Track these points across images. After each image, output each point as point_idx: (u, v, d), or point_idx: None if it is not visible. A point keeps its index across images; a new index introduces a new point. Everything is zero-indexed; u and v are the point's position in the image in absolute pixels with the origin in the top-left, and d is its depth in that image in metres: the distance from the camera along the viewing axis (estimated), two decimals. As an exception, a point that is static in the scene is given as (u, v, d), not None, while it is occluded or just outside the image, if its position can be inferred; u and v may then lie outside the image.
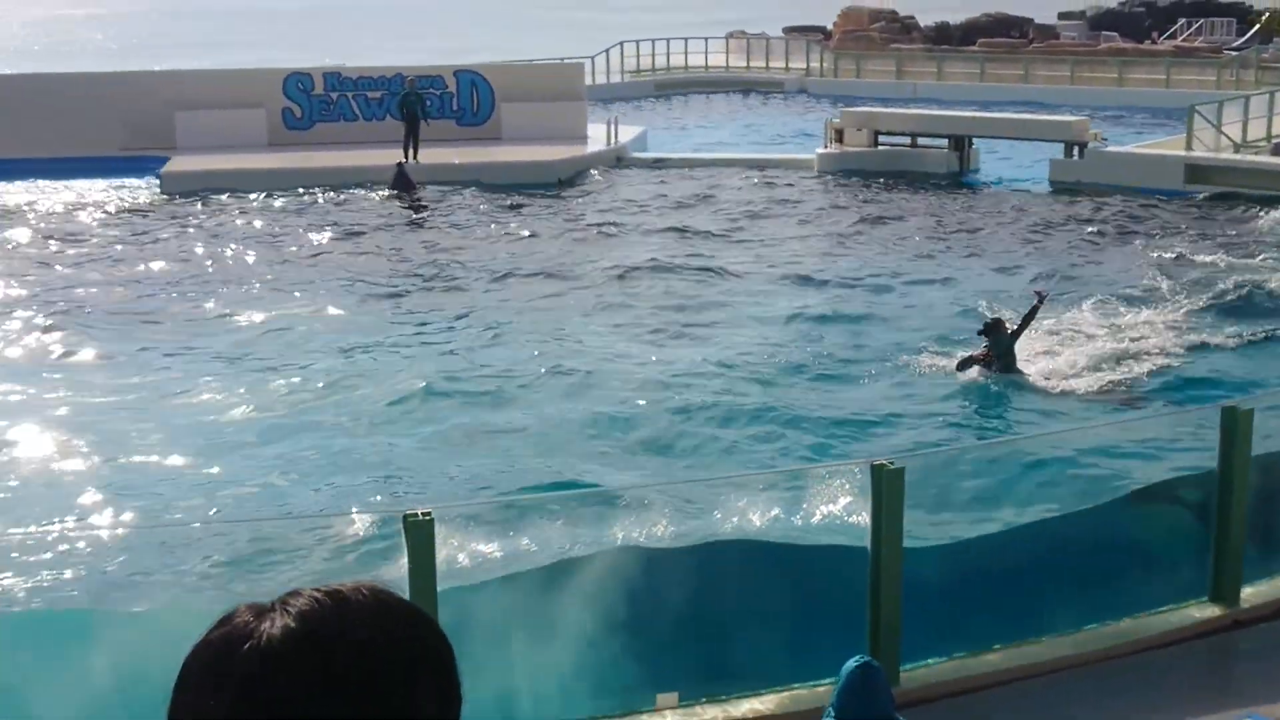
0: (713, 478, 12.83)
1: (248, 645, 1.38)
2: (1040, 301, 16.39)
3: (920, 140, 31.87)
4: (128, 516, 12.04)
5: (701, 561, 9.24)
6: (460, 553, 10.10)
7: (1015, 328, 16.20)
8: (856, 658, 6.49)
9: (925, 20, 59.99)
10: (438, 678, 1.45)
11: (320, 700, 1.37)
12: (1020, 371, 16.12)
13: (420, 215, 26.61)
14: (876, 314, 19.19)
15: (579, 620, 8.18)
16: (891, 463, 8.27)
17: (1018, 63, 49.03)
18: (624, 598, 8.27)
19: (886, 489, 8.14)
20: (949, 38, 57.34)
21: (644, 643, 8.37)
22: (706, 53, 52.60)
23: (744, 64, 52.40)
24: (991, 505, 11.29)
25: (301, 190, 28.12)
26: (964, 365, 16.10)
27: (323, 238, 24.45)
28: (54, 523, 11.87)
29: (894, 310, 19.44)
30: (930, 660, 8.66)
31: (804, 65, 51.23)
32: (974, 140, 31.63)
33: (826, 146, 32.33)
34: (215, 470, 13.15)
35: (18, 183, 29.09)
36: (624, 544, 10.36)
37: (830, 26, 60.88)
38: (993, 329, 16.10)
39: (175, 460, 13.44)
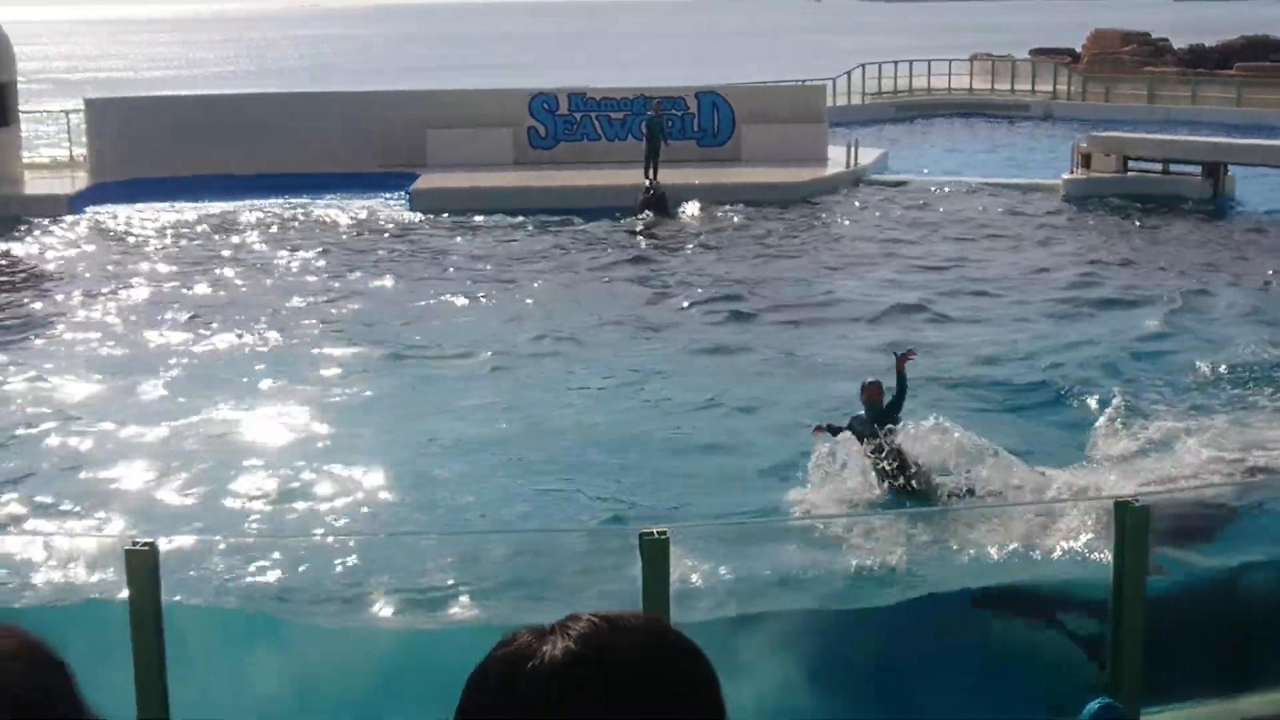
0: (949, 508, 12.59)
1: (530, 665, 1.44)
2: (901, 365, 13.21)
3: (1172, 167, 30.92)
4: (361, 523, 12.43)
5: (919, 612, 9.13)
6: (693, 574, 10.20)
7: (892, 397, 13.15)
8: (1098, 700, 6.34)
9: (1179, 43, 58.13)
10: (707, 705, 1.49)
11: None
12: (898, 455, 12.75)
13: (666, 235, 26.86)
14: (1141, 345, 18.54)
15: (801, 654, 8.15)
16: (1136, 500, 8.05)
17: (1278, 87, 47.17)
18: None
19: (1130, 526, 7.92)
20: (1204, 60, 55.42)
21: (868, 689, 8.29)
22: (950, 75, 51.98)
23: (988, 87, 51.59)
24: (1233, 544, 10.90)
25: (545, 208, 28.68)
26: (831, 430, 13.16)
27: (570, 257, 24.89)
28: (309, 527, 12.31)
29: (1155, 342, 18.74)
30: (1174, 705, 8.39)
31: (1050, 88, 50.20)
32: (1229, 167, 30.54)
33: (1073, 172, 31.62)
34: (455, 479, 13.44)
35: (283, 197, 30.31)
36: (854, 574, 10.34)
37: (1079, 49, 59.46)
38: (866, 394, 13.20)
39: (416, 470, 13.81)
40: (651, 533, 7.58)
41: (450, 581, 10.79)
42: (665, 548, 7.47)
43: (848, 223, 28.44)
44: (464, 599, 10.47)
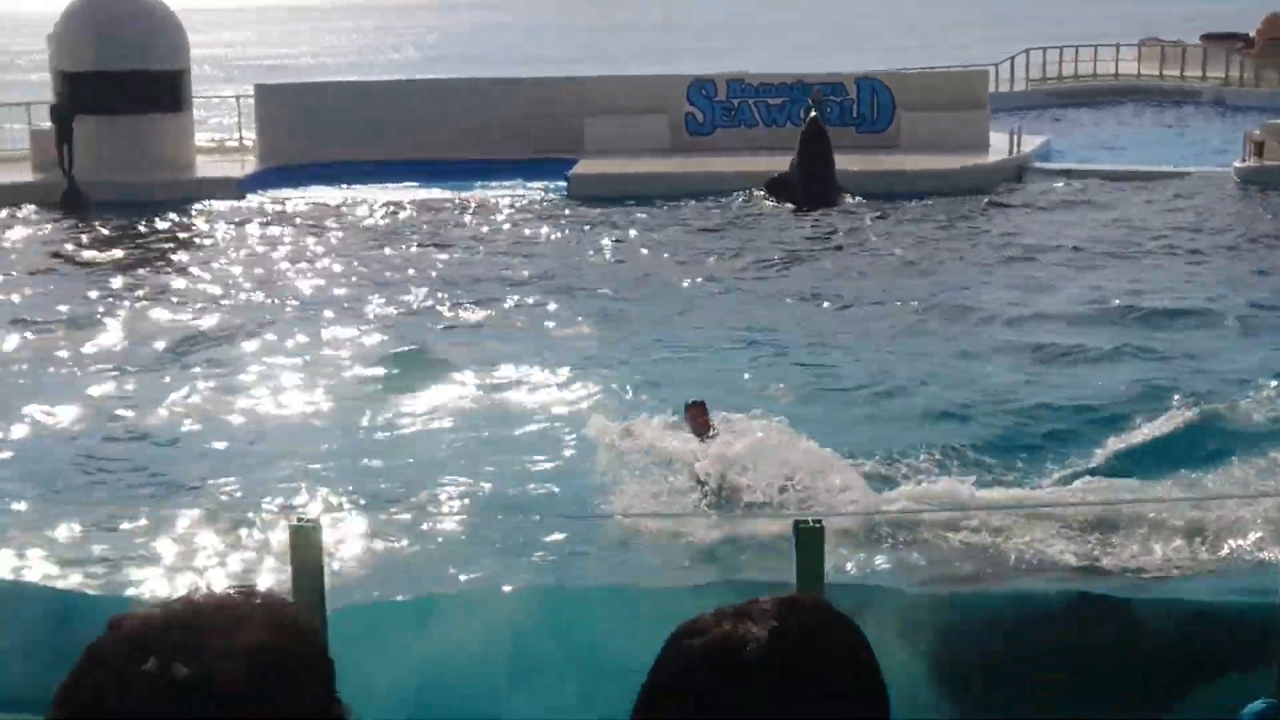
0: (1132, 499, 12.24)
1: (743, 648, 1.46)
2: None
3: (1350, 156, 29.88)
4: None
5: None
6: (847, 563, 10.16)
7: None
8: (1261, 700, 6.18)
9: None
10: (872, 685, 1.52)
11: (789, 705, 1.44)
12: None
13: (825, 223, 26.71)
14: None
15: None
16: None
17: None
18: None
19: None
20: (1389, 45, 53.36)
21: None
22: (1117, 60, 50.76)
23: (1156, 72, 50.29)
24: None
25: (702, 194, 28.70)
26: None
27: (724, 242, 24.89)
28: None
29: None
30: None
31: (1222, 74, 48.79)
32: None
33: (1245, 160, 30.71)
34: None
35: (443, 183, 30.76)
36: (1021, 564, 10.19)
37: (1252, 34, 57.67)
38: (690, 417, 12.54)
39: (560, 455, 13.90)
40: (806, 521, 7.58)
41: (592, 562, 10.88)
42: (820, 536, 7.46)
43: (1009, 211, 27.97)
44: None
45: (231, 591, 1.41)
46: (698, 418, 12.49)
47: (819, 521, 7.55)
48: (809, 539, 7.46)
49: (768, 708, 1.44)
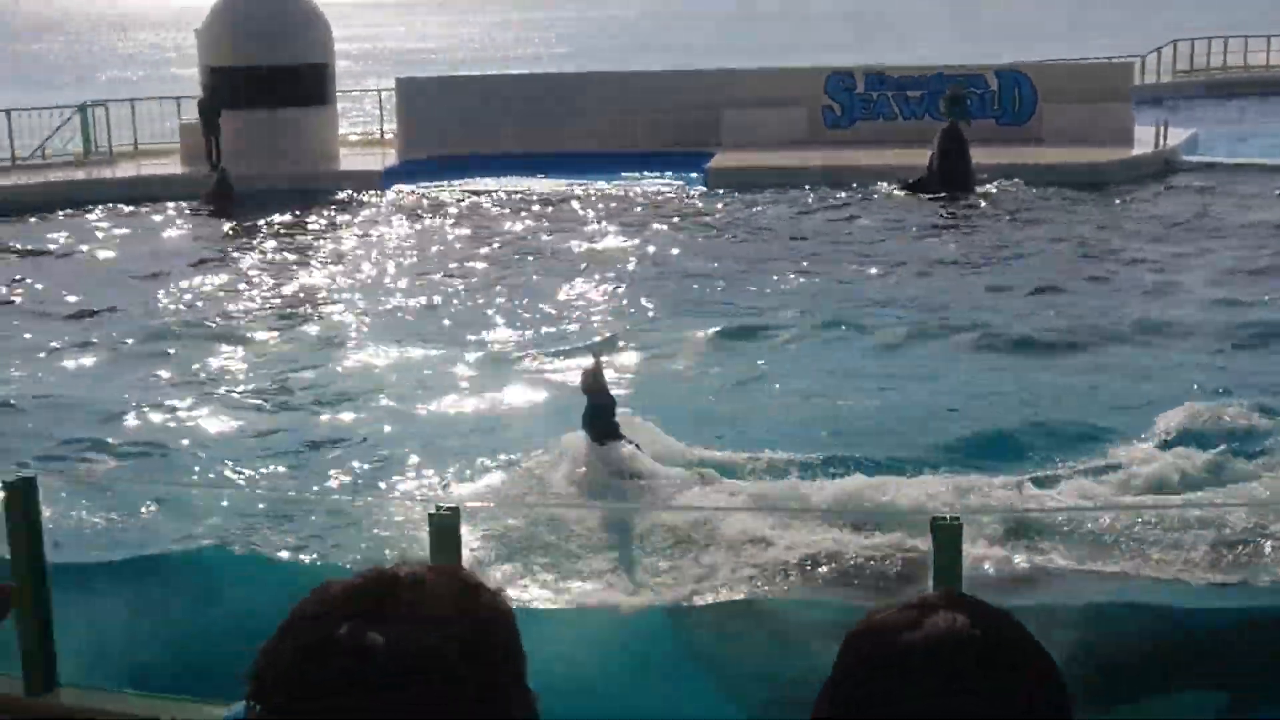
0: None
1: (912, 637, 1.46)
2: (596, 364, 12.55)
3: None
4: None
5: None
6: (985, 561, 10.01)
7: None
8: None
9: None
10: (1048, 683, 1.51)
11: (973, 698, 1.44)
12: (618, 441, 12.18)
13: (967, 215, 26.40)
14: None
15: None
16: None
17: None
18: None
19: None
20: None
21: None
22: (1268, 51, 49.42)
23: (1310, 63, 48.89)
24: None
25: (841, 187, 28.53)
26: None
27: (866, 234, 24.73)
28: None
29: None
30: None
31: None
32: None
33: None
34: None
35: (581, 175, 30.94)
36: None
37: None
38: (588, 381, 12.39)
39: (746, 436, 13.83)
40: (944, 518, 7.49)
41: (719, 559, 10.83)
42: (958, 534, 7.37)
43: (1154, 207, 27.36)
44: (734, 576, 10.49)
45: (429, 568, 1.43)
46: (586, 383, 12.35)
47: (956, 518, 7.46)
48: (946, 536, 7.39)
49: (986, 701, 1.43)
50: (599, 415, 12.17)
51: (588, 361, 12.80)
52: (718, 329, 18.21)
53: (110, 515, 11.80)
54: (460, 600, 1.41)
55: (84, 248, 25.33)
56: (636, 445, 12.28)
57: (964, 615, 1.49)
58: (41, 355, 17.98)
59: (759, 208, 27.44)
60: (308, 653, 1.34)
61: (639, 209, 27.93)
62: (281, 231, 26.65)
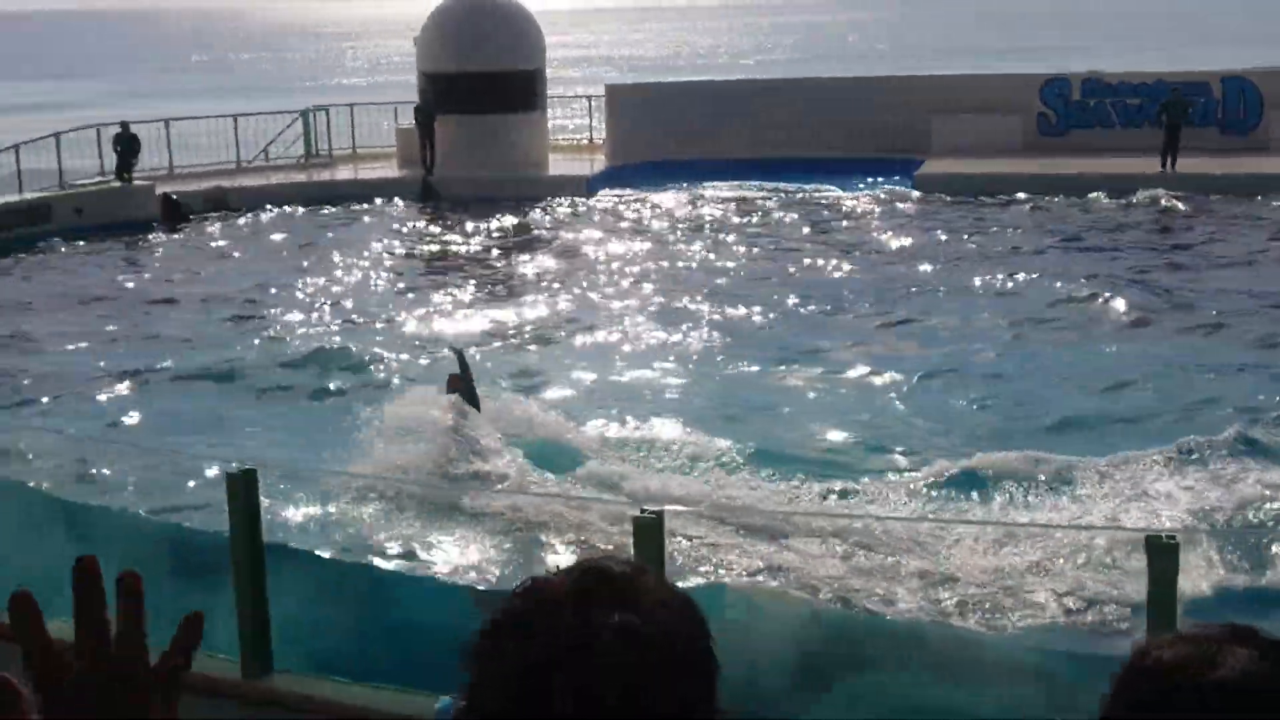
0: None
1: (1212, 678, 1.40)
2: (460, 358, 14.54)
3: None
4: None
5: None
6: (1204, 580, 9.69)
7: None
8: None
9: None
10: None
11: None
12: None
13: (1179, 227, 25.59)
14: None
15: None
16: None
17: None
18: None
19: None
20: None
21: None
22: None
23: None
24: None
25: (1057, 195, 27.81)
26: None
27: (1090, 243, 24.14)
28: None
29: None
30: None
31: None
32: None
33: None
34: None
35: (789, 182, 30.83)
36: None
37: None
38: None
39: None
40: (1160, 537, 7.24)
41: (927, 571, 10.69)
42: (1174, 553, 7.12)
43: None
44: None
45: (626, 562, 1.44)
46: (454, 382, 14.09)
47: (1173, 537, 7.21)
48: (1162, 555, 7.13)
49: None
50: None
51: (453, 367, 14.44)
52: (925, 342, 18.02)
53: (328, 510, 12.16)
54: (669, 590, 1.42)
55: (302, 245, 26.09)
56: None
57: (1255, 650, 1.42)
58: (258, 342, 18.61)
59: (970, 216, 26.91)
60: (568, 628, 1.34)
61: (844, 215, 27.69)
62: (488, 234, 27.06)
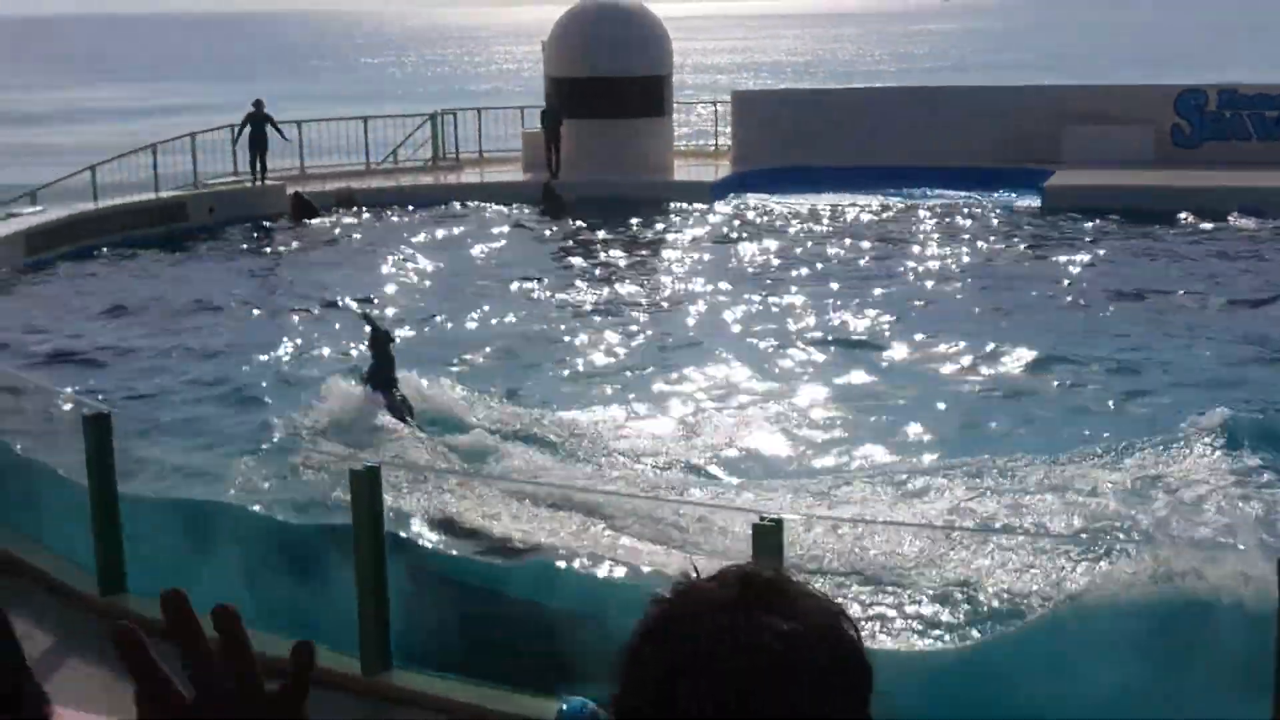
0: None
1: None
2: (369, 324, 15.52)
3: None
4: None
5: None
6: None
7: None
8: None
9: None
10: None
11: None
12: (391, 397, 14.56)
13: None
14: None
15: None
16: None
17: None
18: None
19: None
20: None
21: None
22: None
23: None
24: None
25: (1191, 210, 27.01)
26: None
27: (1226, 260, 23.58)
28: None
29: None
30: None
31: None
32: None
33: None
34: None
35: (912, 191, 30.63)
36: None
37: None
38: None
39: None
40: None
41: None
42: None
43: None
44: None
45: (762, 569, 1.43)
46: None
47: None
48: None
49: None
50: (378, 368, 14.69)
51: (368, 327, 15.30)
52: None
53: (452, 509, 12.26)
54: (819, 595, 1.43)
55: (431, 246, 26.38)
56: (404, 397, 14.62)
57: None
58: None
59: (1102, 230, 26.30)
60: (729, 630, 1.35)
61: (968, 227, 27.30)
62: (611, 238, 27.10)
